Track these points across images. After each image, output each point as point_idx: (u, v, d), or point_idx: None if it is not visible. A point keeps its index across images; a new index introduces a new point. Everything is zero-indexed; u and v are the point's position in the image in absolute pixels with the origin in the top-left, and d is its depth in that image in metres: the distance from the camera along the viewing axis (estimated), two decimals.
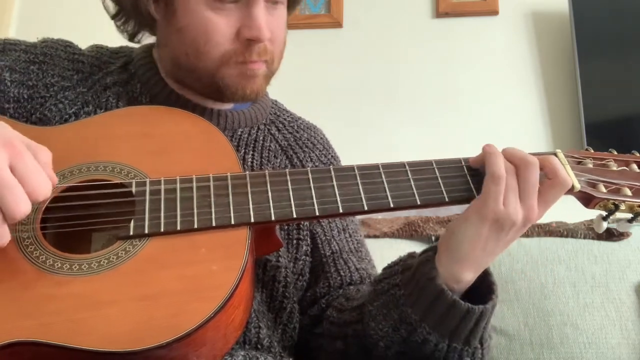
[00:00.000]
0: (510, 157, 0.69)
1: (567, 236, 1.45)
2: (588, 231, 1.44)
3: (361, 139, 2.01)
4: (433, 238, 1.56)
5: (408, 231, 1.54)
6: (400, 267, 0.73)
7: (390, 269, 0.76)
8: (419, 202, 0.69)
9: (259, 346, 0.77)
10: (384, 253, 1.45)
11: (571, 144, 1.93)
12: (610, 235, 1.42)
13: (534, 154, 0.72)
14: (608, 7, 2.02)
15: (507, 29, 2.11)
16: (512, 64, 2.08)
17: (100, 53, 0.89)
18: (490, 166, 0.67)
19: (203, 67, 0.79)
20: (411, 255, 0.75)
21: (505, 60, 2.08)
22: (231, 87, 0.80)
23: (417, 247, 1.52)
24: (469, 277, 0.69)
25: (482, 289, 0.72)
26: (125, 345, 0.54)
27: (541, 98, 2.03)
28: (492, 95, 2.05)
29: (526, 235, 1.45)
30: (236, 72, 0.79)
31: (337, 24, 2.20)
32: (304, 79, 2.12)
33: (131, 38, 0.91)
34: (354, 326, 0.78)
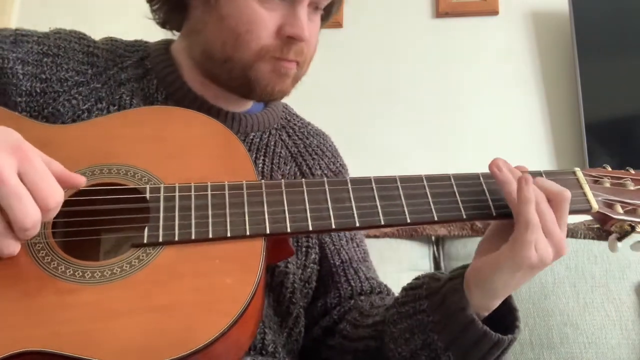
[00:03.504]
0: (535, 191, 0.65)
1: (567, 236, 1.44)
2: (588, 231, 1.44)
3: (361, 139, 2.01)
4: (433, 238, 1.56)
5: (408, 231, 1.54)
6: (425, 292, 0.72)
7: (412, 291, 0.74)
8: (436, 219, 0.67)
9: (264, 352, 0.77)
10: (384, 253, 1.46)
11: (571, 143, 1.93)
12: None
13: (550, 172, 0.71)
14: (608, 7, 2.02)
15: (507, 29, 2.11)
16: (512, 64, 2.07)
17: (114, 46, 0.87)
18: (523, 214, 0.63)
19: (239, 58, 0.78)
20: (434, 278, 0.73)
21: (505, 60, 2.08)
22: (262, 82, 0.79)
23: (417, 247, 1.53)
24: (498, 304, 0.69)
25: (502, 311, 0.71)
26: (138, 359, 0.53)
27: (541, 98, 2.03)
28: (492, 95, 2.05)
29: None
30: (270, 67, 0.79)
31: (337, 24, 2.20)
32: (304, 78, 2.11)
33: (163, 25, 0.88)
34: (366, 342, 0.78)
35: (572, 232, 1.45)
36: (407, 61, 2.13)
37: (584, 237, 1.44)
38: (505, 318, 0.71)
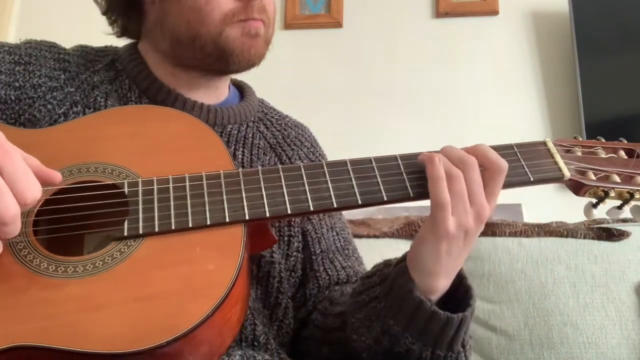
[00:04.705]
0: (450, 160, 0.69)
1: (567, 236, 1.44)
2: (588, 231, 1.44)
3: (361, 138, 2.01)
4: None
5: (408, 231, 1.54)
6: (378, 279, 0.73)
7: (368, 279, 0.75)
8: (411, 195, 0.69)
9: (256, 343, 0.78)
10: (384, 253, 1.45)
11: None
12: (610, 235, 1.42)
13: (521, 144, 0.72)
14: (608, 7, 2.02)
15: (507, 29, 2.11)
16: (512, 64, 2.08)
17: (85, 52, 0.90)
18: (434, 194, 0.66)
19: (206, 31, 0.80)
20: (387, 264, 0.75)
21: (505, 60, 2.08)
22: (236, 49, 0.81)
23: None
24: (443, 284, 0.70)
25: (459, 293, 0.72)
26: (125, 347, 0.54)
27: (541, 98, 2.03)
28: (492, 95, 2.05)
29: (526, 235, 1.45)
30: (239, 31, 0.81)
31: (337, 24, 2.20)
32: (304, 78, 2.12)
33: (123, 34, 0.92)
34: (337, 333, 0.78)
35: (572, 232, 1.45)
36: (407, 61, 2.13)
37: (584, 237, 1.44)
38: (462, 300, 0.72)
